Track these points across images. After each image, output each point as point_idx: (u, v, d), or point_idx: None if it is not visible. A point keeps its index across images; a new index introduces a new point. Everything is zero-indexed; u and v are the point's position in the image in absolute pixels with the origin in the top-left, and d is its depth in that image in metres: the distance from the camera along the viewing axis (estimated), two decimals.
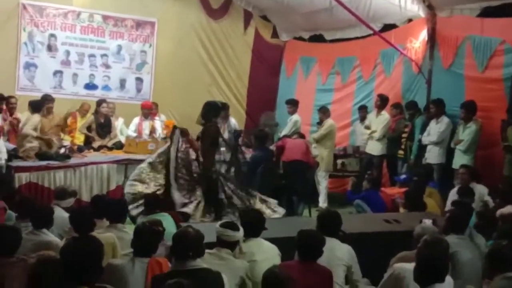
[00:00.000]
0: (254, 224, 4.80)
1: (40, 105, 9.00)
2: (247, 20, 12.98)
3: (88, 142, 9.93)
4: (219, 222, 4.64)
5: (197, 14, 12.46)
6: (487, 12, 8.74)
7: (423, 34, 9.72)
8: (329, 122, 10.07)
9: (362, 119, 10.53)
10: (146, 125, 10.48)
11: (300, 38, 12.87)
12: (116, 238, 4.81)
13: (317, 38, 12.31)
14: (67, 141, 9.47)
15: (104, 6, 11.62)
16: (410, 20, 10.08)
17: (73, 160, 8.74)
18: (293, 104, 10.53)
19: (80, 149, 9.35)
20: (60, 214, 5.59)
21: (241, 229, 4.47)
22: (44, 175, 8.34)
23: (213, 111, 7.89)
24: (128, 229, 5.14)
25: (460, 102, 8.68)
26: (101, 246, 3.31)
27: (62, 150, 8.87)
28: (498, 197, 6.94)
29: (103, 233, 4.85)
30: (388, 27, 10.42)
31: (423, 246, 4.08)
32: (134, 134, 10.24)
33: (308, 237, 4.39)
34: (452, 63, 9.27)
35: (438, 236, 4.42)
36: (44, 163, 8.41)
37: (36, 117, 8.75)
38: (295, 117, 10.38)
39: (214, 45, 12.74)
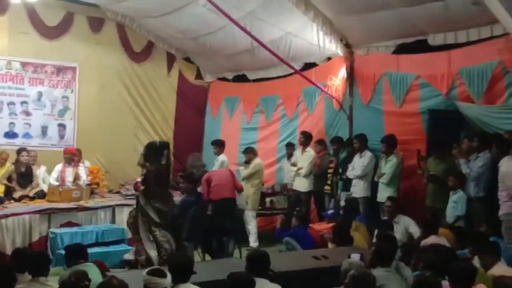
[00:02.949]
0: (182, 268, 4.71)
1: None
2: (170, 63, 13.03)
3: (8, 192, 9.57)
4: (146, 270, 4.54)
5: (120, 58, 12.39)
6: (402, 49, 9.08)
7: (342, 72, 9.99)
8: (256, 161, 10.11)
9: (289, 156, 10.63)
10: (70, 172, 10.19)
11: (224, 79, 13.00)
12: None
13: (241, 78, 12.47)
14: None
15: (22, 52, 11.33)
16: (329, 59, 10.35)
17: None
18: (218, 145, 10.53)
19: (0, 201, 9.01)
20: None
21: (169, 276, 4.37)
22: None
23: (153, 152, 7.81)
24: (52, 282, 4.96)
25: (380, 136, 8.92)
26: None
27: None
28: (422, 227, 7.11)
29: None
30: (308, 65, 10.67)
31: (350, 281, 4.13)
32: (56, 183, 9.94)
33: (238, 280, 4.36)
34: (371, 99, 9.55)
35: (364, 270, 4.48)
36: None
37: None
38: (222, 157, 10.38)
39: (138, 88, 12.68)
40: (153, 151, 7.85)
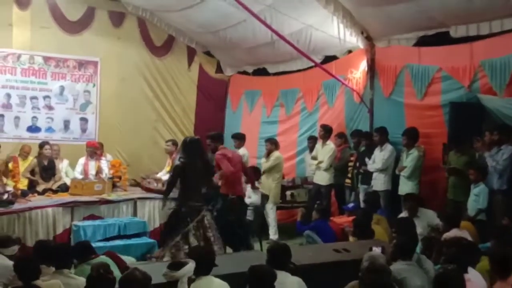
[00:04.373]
0: (204, 261, 4.75)
1: None
2: (190, 57, 13.09)
3: (32, 186, 9.67)
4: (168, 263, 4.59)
5: (140, 52, 12.48)
6: (423, 41, 9.00)
7: (363, 65, 9.95)
8: (276, 154, 10.14)
9: (311, 149, 10.58)
10: (92, 166, 10.32)
11: (244, 72, 13.01)
12: (62, 284, 4.68)
13: (261, 72, 12.48)
14: (10, 186, 9.21)
15: (44, 47, 11.48)
16: (350, 52, 10.31)
17: (16, 206, 8.46)
18: (239, 138, 10.54)
19: (24, 194, 9.09)
20: (4, 263, 5.43)
21: (184, 268, 4.38)
22: None
23: (184, 148, 7.82)
24: (75, 275, 5.03)
25: (402, 129, 8.88)
26: None
27: (5, 196, 8.60)
28: (443, 221, 7.07)
29: (49, 280, 4.72)
30: (329, 58, 10.64)
31: (365, 274, 4.15)
32: (81, 176, 10.08)
33: (259, 273, 4.36)
34: (392, 92, 9.50)
35: (379, 262, 4.47)
36: None
37: None
38: (242, 150, 10.37)
39: (159, 82, 12.77)
40: (184, 147, 7.83)
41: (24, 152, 10.14)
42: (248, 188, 9.30)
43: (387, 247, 5.74)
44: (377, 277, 3.99)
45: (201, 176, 7.71)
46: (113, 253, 6.20)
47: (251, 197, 9.28)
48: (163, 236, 8.10)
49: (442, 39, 8.63)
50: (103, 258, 5.56)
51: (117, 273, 4.82)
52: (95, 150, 10.48)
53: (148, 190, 10.04)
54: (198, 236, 7.61)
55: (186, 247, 7.40)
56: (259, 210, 9.40)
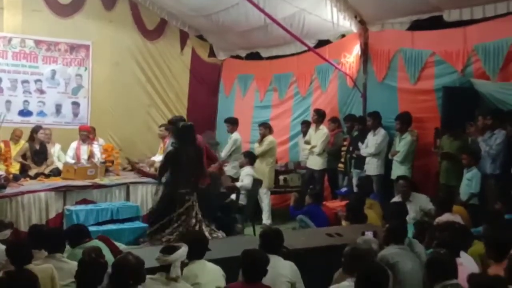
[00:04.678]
0: (197, 245, 4.76)
1: None
2: (183, 40, 13.01)
3: (24, 170, 9.61)
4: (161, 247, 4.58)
5: (133, 36, 12.39)
6: (417, 25, 8.98)
7: (357, 49, 9.92)
8: (269, 138, 10.14)
9: (305, 134, 10.53)
10: (84, 150, 10.28)
11: (237, 57, 12.95)
12: (54, 269, 4.67)
13: (254, 56, 12.41)
14: (1, 171, 9.17)
15: (36, 30, 11.39)
16: (343, 36, 10.27)
17: (8, 190, 8.43)
18: (231, 123, 10.52)
19: (16, 178, 9.05)
20: None
21: (177, 252, 4.38)
22: None
23: (176, 133, 7.77)
24: (67, 259, 5.02)
25: (395, 113, 8.89)
26: (36, 280, 3.22)
27: None
28: (436, 205, 7.10)
29: (41, 264, 4.70)
30: (322, 43, 10.59)
31: (346, 259, 4.24)
32: (73, 161, 10.03)
33: (252, 257, 4.36)
34: (385, 76, 9.48)
35: (360, 246, 4.49)
36: None
37: None
38: (235, 135, 10.38)
39: (151, 66, 12.69)
40: (176, 133, 7.75)
41: (15, 136, 10.07)
42: (241, 172, 9.31)
43: (379, 231, 5.76)
44: (360, 264, 4.03)
45: (193, 163, 7.64)
46: (106, 237, 6.17)
47: (243, 181, 9.28)
48: (149, 221, 8.11)
49: (435, 23, 8.61)
50: (96, 242, 5.53)
51: (109, 257, 4.82)
52: (88, 134, 10.44)
53: (142, 173, 10.01)
54: (186, 222, 7.61)
55: (166, 232, 7.41)
56: (252, 195, 9.39)
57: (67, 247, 5.43)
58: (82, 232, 5.76)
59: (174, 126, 8.24)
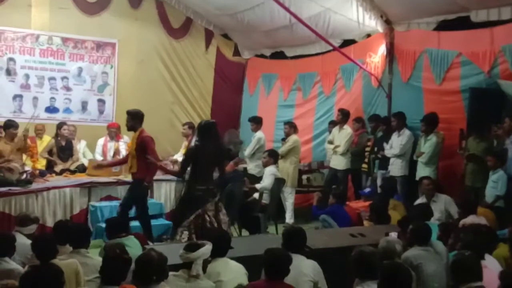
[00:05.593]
0: (220, 243, 4.78)
1: None
2: (208, 39, 13.05)
3: (50, 166, 9.75)
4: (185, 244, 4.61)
5: (158, 34, 12.46)
6: (443, 26, 8.89)
7: (382, 49, 9.86)
8: (293, 137, 10.14)
9: None
10: (111, 147, 10.41)
11: (262, 56, 12.95)
12: (79, 264, 4.73)
13: (278, 55, 12.40)
14: (28, 166, 9.30)
15: (63, 28, 11.50)
16: (368, 35, 10.22)
17: (35, 185, 8.54)
18: (256, 122, 10.53)
19: (42, 174, 9.16)
20: (22, 241, 5.47)
21: (201, 249, 4.40)
22: (5, 202, 8.13)
23: (198, 131, 7.76)
24: (92, 254, 5.08)
25: (420, 114, 8.81)
26: (61, 274, 3.25)
27: (24, 176, 8.69)
28: (460, 207, 7.03)
29: (66, 259, 4.77)
30: (347, 42, 10.55)
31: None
32: (101, 158, 10.15)
33: (275, 256, 4.37)
34: (411, 77, 9.40)
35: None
36: (5, 189, 8.16)
37: None
38: (259, 134, 10.39)
39: (176, 65, 12.75)
40: (198, 130, 7.72)
41: (37, 131, 10.20)
42: (265, 171, 9.28)
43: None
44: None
45: (213, 161, 7.62)
46: (142, 235, 6.30)
47: (264, 181, 9.15)
48: (173, 220, 8.09)
49: (462, 23, 8.52)
50: (131, 239, 5.64)
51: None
52: (116, 131, 10.57)
53: (164, 170, 10.03)
54: (207, 221, 7.57)
55: (187, 232, 7.36)
56: (275, 194, 9.38)
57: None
58: (121, 225, 5.85)
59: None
